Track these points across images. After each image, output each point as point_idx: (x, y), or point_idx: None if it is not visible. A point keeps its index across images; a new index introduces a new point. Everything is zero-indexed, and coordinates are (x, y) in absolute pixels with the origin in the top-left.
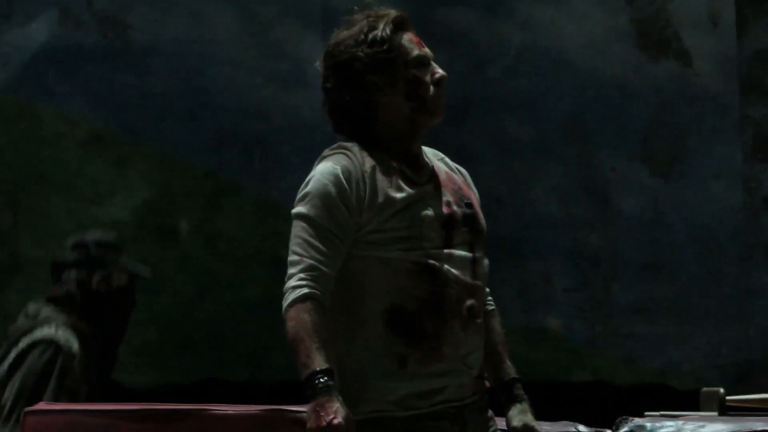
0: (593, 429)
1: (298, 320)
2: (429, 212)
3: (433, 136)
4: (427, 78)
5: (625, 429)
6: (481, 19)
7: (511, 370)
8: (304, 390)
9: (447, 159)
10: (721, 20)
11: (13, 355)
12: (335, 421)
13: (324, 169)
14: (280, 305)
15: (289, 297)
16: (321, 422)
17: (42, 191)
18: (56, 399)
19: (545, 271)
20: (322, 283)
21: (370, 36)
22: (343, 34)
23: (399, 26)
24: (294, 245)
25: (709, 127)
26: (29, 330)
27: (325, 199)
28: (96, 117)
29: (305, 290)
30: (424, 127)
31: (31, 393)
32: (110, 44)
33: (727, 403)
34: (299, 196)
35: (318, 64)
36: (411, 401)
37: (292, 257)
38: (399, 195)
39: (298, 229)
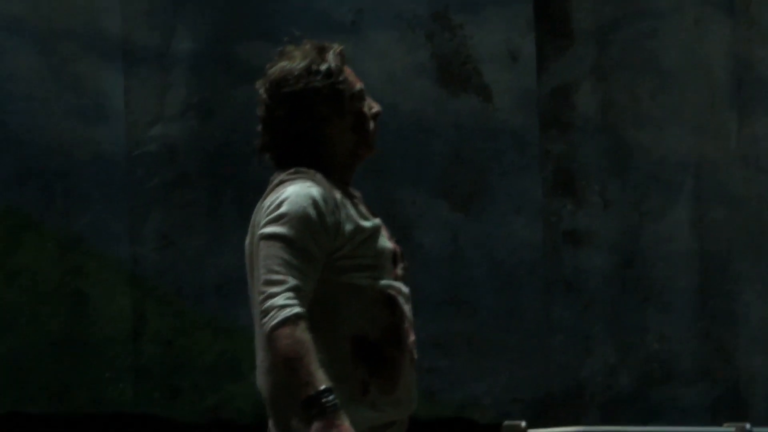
0: None
1: (294, 339)
2: (386, 245)
3: (234, 171)
4: (366, 111)
5: None
6: None
7: None
8: (307, 409)
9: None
10: (521, 56)
11: None
12: None
13: (300, 192)
14: (81, 340)
15: (278, 315)
16: None
17: None
18: None
19: None
20: (305, 304)
21: (323, 67)
22: (287, 65)
23: (342, 59)
24: (273, 264)
25: (509, 162)
26: None
27: (304, 221)
28: None
29: (296, 309)
30: (361, 159)
31: None
32: None
33: None
34: (271, 216)
35: (261, 92)
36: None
37: (272, 276)
38: (366, 224)
39: (275, 249)
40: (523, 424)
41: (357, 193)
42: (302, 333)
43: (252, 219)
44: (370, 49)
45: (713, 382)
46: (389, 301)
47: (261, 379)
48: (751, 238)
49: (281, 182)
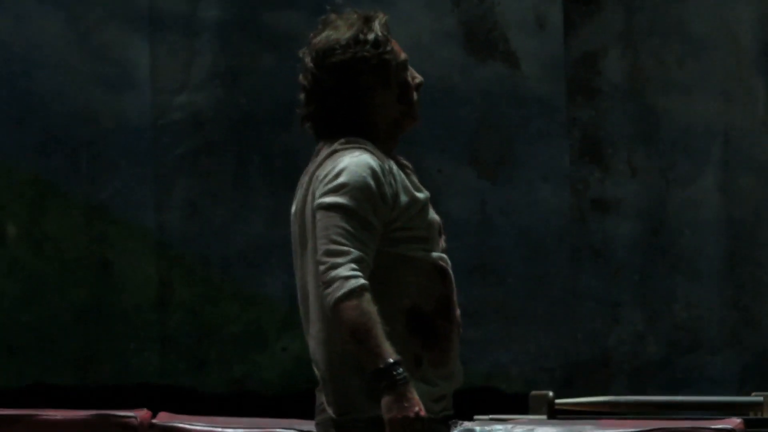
0: None
1: (362, 310)
2: (435, 217)
3: (260, 139)
4: (410, 81)
5: None
6: (308, 21)
7: None
8: (377, 381)
9: None
10: (548, 22)
11: None
12: (422, 413)
13: (359, 162)
14: (106, 309)
15: (345, 286)
16: (408, 413)
17: None
18: None
19: None
20: (367, 276)
21: (370, 37)
22: (334, 34)
23: (388, 29)
24: (335, 235)
25: (536, 130)
26: None
27: (365, 191)
28: None
29: (361, 281)
30: (404, 130)
31: None
32: None
33: (556, 407)
34: (330, 186)
35: (307, 61)
36: (428, 404)
37: (334, 246)
38: (420, 195)
39: (336, 219)
40: (551, 394)
41: (409, 164)
42: (368, 305)
43: (300, 189)
44: (397, 16)
45: (741, 351)
46: (441, 272)
47: (317, 351)
48: None
49: (335, 152)
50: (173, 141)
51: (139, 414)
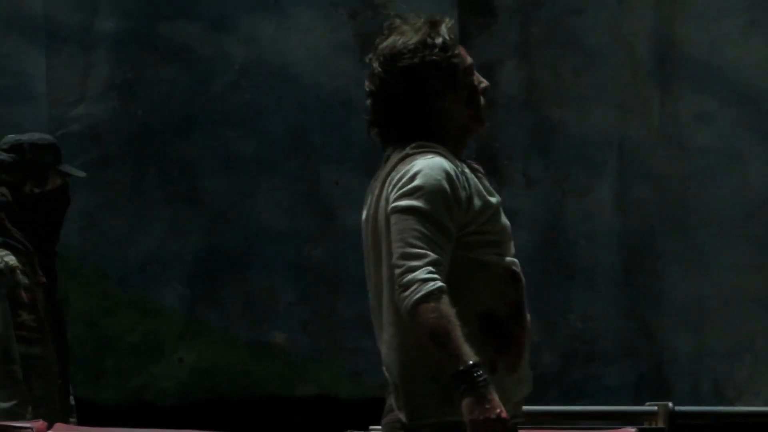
0: None
1: (440, 313)
2: (506, 221)
3: (157, 151)
4: (477, 85)
5: None
6: (205, 33)
7: None
8: (457, 383)
9: None
10: None
11: None
12: (504, 414)
13: (433, 165)
14: None
15: (423, 289)
16: (490, 414)
17: None
18: (14, 314)
19: (270, 284)
20: (444, 279)
21: (438, 41)
22: (401, 39)
23: (454, 33)
24: (410, 238)
25: None
26: None
27: (441, 194)
28: None
29: (439, 284)
30: (471, 134)
31: None
32: None
33: None
34: (405, 189)
35: (375, 66)
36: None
37: (410, 249)
38: (493, 199)
39: (412, 222)
40: None
41: (480, 168)
42: (447, 307)
43: (370, 194)
44: (293, 28)
45: (636, 361)
46: (514, 277)
47: (389, 355)
48: (674, 217)
49: (407, 156)
50: (70, 153)
51: (35, 425)
